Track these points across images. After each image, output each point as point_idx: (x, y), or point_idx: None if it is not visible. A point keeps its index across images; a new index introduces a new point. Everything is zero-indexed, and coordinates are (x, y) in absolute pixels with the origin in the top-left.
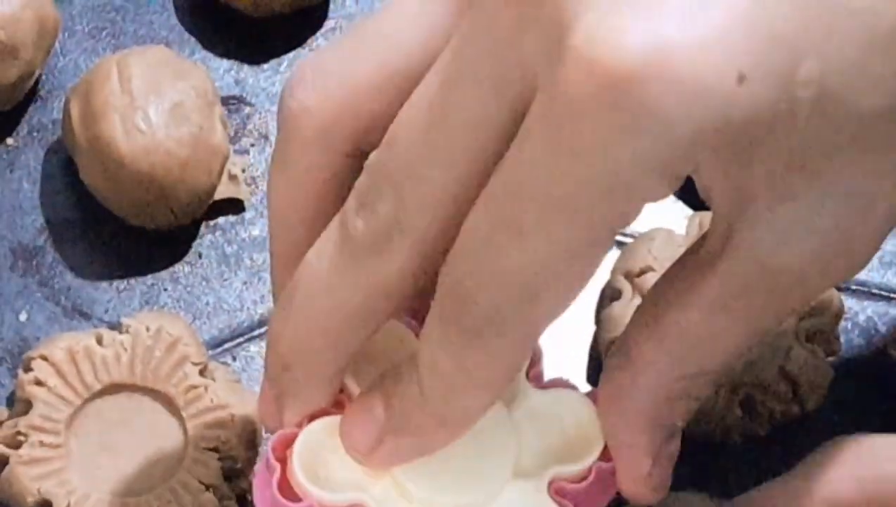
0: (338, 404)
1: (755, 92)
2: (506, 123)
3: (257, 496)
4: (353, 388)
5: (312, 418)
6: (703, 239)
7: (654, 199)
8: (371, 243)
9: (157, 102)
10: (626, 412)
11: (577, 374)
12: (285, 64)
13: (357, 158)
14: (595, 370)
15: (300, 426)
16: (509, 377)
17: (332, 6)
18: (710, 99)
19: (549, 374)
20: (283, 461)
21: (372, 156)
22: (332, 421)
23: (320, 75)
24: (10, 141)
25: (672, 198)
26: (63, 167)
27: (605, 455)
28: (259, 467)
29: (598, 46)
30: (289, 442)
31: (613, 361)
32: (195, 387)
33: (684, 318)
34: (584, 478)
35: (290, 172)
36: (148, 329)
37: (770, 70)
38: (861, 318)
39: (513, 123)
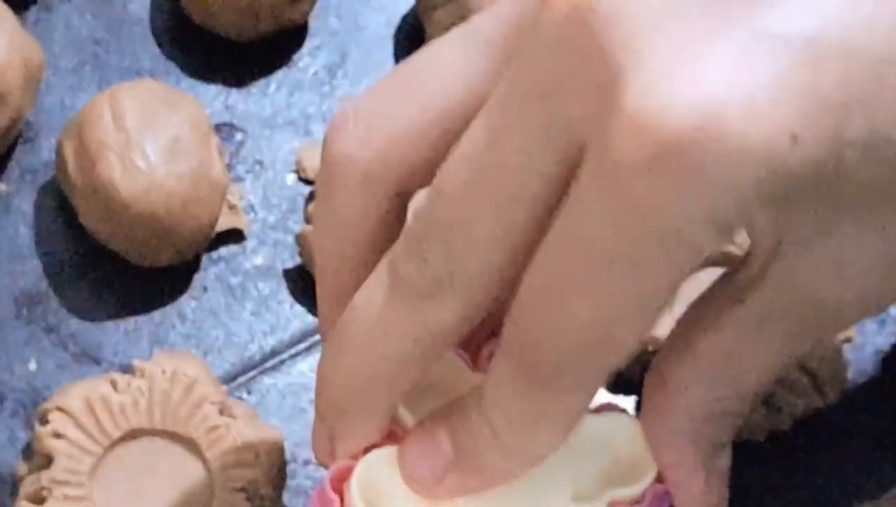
0: (390, 435)
1: (806, 152)
2: (555, 175)
3: None
4: (406, 418)
5: (367, 450)
6: (739, 265)
7: (713, 249)
8: (423, 291)
9: (153, 138)
10: (667, 434)
11: None
12: (273, 85)
13: (402, 198)
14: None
15: (355, 457)
16: (580, 416)
17: (313, 23)
18: (763, 161)
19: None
20: (340, 492)
21: (420, 203)
22: (389, 453)
23: (361, 122)
24: (1, 186)
25: None
26: (58, 209)
27: (660, 476)
28: (314, 500)
29: (649, 113)
30: (344, 475)
31: (649, 383)
32: (216, 427)
33: (718, 342)
34: (640, 501)
35: (336, 216)
36: (164, 372)
37: (820, 131)
38: None
39: (563, 174)
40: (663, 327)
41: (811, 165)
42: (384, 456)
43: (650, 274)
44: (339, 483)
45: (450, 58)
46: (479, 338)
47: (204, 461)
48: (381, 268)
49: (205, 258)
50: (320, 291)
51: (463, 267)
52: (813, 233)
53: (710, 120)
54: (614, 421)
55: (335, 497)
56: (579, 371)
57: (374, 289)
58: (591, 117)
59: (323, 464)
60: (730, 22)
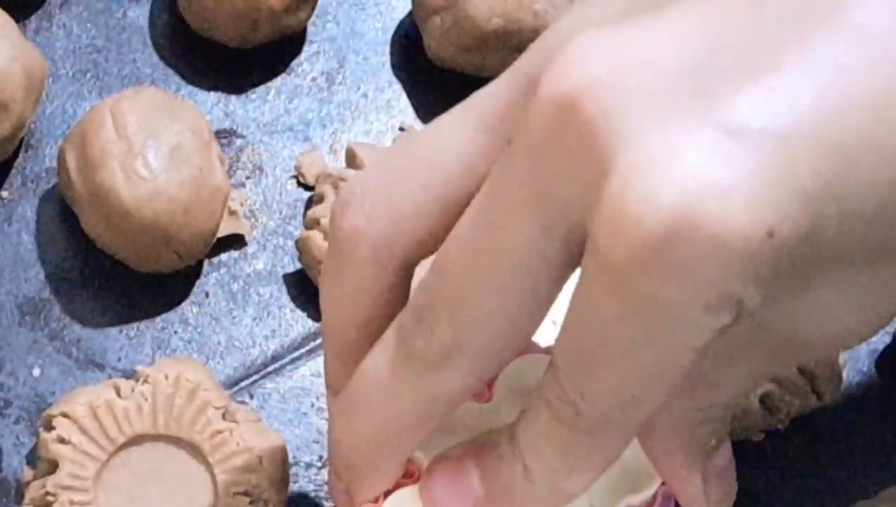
0: (407, 474)
1: (783, 242)
2: (557, 255)
3: None
4: (419, 456)
5: (387, 493)
6: None
7: (723, 323)
8: (430, 361)
9: (155, 146)
10: (658, 443)
11: None
12: (273, 92)
13: (409, 268)
14: None
15: (376, 502)
16: (614, 461)
17: (311, 30)
18: (741, 255)
19: None
20: None
21: (425, 276)
22: (409, 492)
23: (367, 198)
24: (4, 194)
25: None
26: (60, 216)
27: None
28: None
29: (629, 212)
30: None
31: None
32: (220, 432)
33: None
34: (651, 504)
35: (345, 286)
36: (166, 377)
37: (795, 223)
38: None
39: (564, 253)
40: None
41: (787, 252)
42: (406, 495)
43: (665, 351)
44: None
45: (449, 135)
46: None
47: (207, 465)
48: (389, 336)
49: (206, 264)
50: (328, 353)
51: (469, 340)
52: (791, 292)
53: (686, 219)
54: None
55: None
56: (614, 426)
57: (382, 356)
58: (584, 206)
59: None
60: (707, 115)
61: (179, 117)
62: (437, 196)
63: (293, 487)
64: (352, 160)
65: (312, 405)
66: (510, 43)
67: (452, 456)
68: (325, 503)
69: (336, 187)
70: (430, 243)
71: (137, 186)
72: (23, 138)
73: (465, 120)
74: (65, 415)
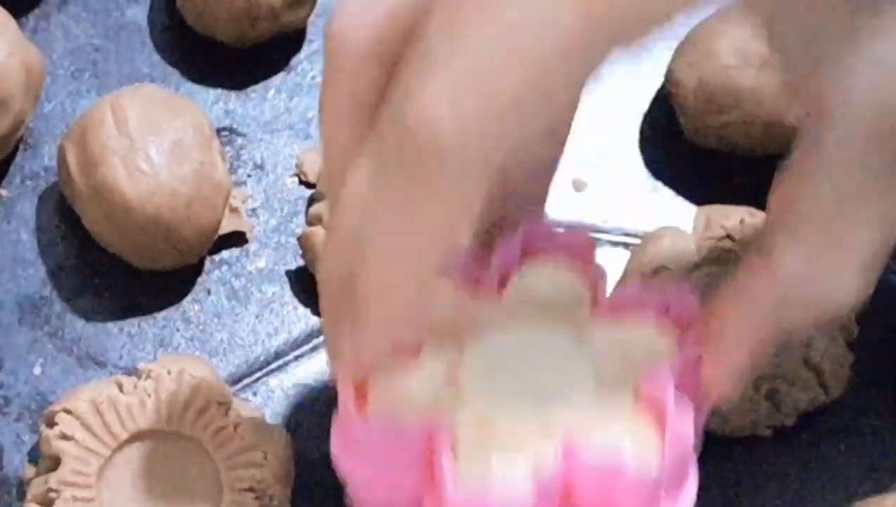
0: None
1: None
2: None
3: (336, 441)
4: None
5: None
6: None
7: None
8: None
9: (156, 141)
10: (750, 309)
11: None
12: (273, 90)
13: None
14: None
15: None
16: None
17: (311, 28)
18: None
19: None
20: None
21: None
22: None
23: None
24: (3, 192)
25: (673, 195)
26: (59, 214)
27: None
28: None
29: None
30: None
31: (749, 260)
32: (223, 428)
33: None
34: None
35: (336, 85)
36: (169, 373)
37: None
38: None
39: None
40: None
41: None
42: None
43: None
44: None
45: None
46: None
47: (211, 461)
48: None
49: (208, 261)
50: (328, 164)
51: None
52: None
53: None
54: (632, 328)
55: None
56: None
57: (364, 156)
58: None
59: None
60: None
61: (180, 113)
62: None
63: (298, 483)
64: None
65: (316, 402)
66: None
67: None
68: (327, 498)
69: None
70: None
71: (139, 181)
72: (22, 137)
73: None
74: (67, 411)
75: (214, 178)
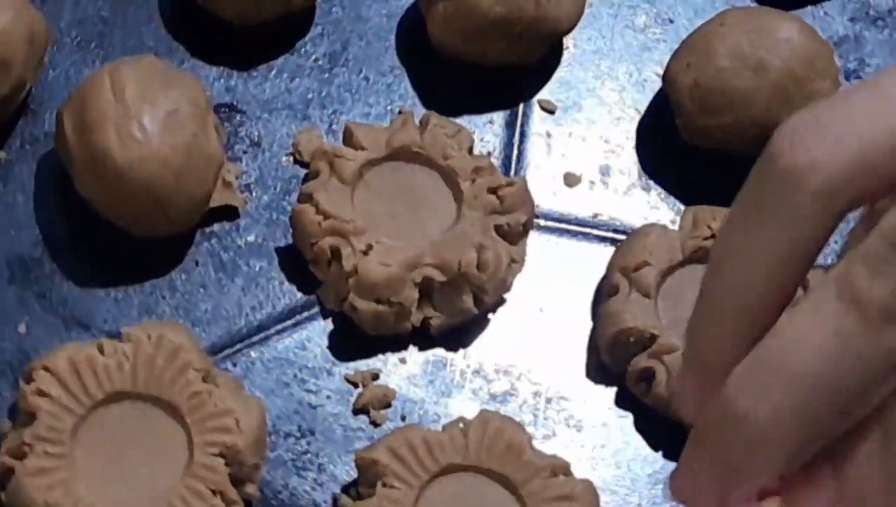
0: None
1: None
2: None
3: None
4: None
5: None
6: None
7: None
8: (887, 313)
9: (151, 110)
10: None
11: (577, 369)
12: (275, 70)
13: (846, 214)
14: (594, 365)
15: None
16: None
17: (318, 12)
18: None
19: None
20: None
21: (888, 221)
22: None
23: (830, 130)
24: (2, 155)
25: (664, 194)
26: (57, 179)
27: None
28: None
29: None
30: None
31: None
32: (198, 393)
33: None
34: None
35: (774, 225)
36: (149, 337)
37: None
38: None
39: None
40: (647, 319)
41: None
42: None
43: None
44: None
45: None
46: None
47: (185, 425)
48: (826, 287)
49: (198, 233)
50: (706, 321)
51: None
52: None
53: None
54: None
55: None
56: None
57: (819, 309)
58: None
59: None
60: None
61: (177, 85)
62: None
63: (271, 454)
64: (349, 139)
65: (295, 377)
66: (512, 32)
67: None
68: (301, 472)
69: (331, 164)
70: (888, 187)
71: (131, 148)
72: (24, 102)
73: None
74: (45, 368)
75: (207, 150)
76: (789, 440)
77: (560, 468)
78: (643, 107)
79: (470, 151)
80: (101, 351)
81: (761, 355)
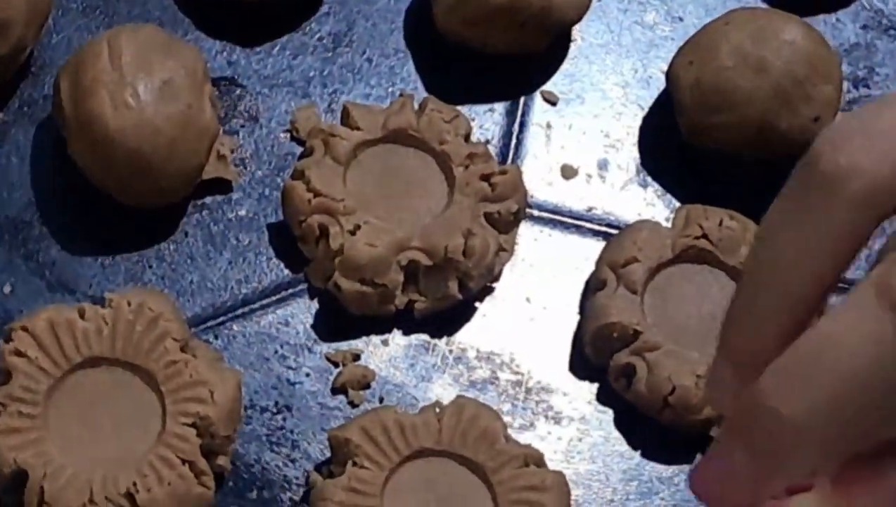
0: None
1: None
2: None
3: None
4: None
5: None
6: None
7: None
8: None
9: (146, 79)
10: None
11: (560, 361)
12: (278, 47)
13: (885, 219)
14: (577, 359)
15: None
16: None
17: None
18: None
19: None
20: None
21: None
22: (816, 499)
23: (874, 135)
24: (0, 116)
25: (661, 191)
26: (53, 144)
27: None
28: None
29: None
30: None
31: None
32: (175, 362)
33: None
34: None
35: (814, 228)
36: (130, 304)
37: None
38: None
39: None
40: (632, 315)
41: None
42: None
43: None
44: None
45: None
46: None
47: (159, 394)
48: (866, 290)
49: (190, 205)
50: (760, 308)
51: None
52: None
53: None
54: None
55: None
56: None
57: (858, 312)
58: None
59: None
60: None
61: (175, 55)
62: None
63: (246, 428)
64: (346, 118)
65: (276, 353)
66: (516, 20)
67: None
68: (275, 447)
69: (326, 143)
70: None
71: (124, 115)
72: (26, 65)
73: None
74: (25, 329)
75: (201, 121)
76: (822, 438)
77: (533, 458)
78: (646, 104)
79: (467, 137)
80: (83, 316)
81: (799, 352)
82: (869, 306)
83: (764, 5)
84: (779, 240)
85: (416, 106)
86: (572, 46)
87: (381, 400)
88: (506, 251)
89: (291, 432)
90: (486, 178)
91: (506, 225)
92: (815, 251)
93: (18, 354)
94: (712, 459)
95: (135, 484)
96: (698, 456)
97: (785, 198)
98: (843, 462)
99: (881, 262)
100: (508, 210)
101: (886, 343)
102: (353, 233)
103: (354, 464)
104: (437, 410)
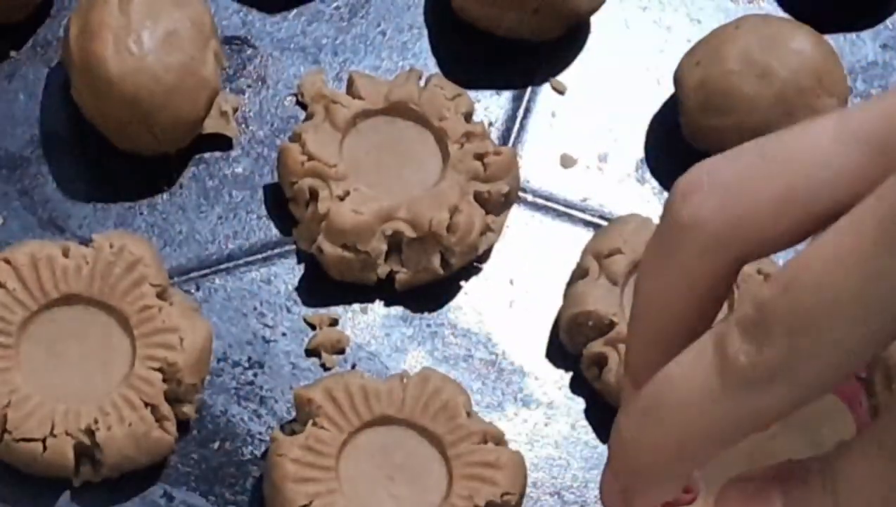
0: (685, 489)
1: None
2: None
3: None
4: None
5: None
6: None
7: None
8: (751, 379)
9: (152, 27)
10: None
11: (537, 346)
12: (294, 12)
13: (739, 266)
14: (555, 346)
15: None
16: None
17: None
18: None
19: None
20: None
21: (763, 290)
22: None
23: (718, 188)
24: (13, 54)
25: (659, 189)
26: (62, 86)
27: None
28: None
29: None
30: None
31: None
32: (149, 307)
33: None
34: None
35: (672, 274)
36: (112, 246)
37: None
38: None
39: None
40: (609, 306)
41: None
42: None
43: None
44: None
45: (823, 144)
46: None
47: (130, 336)
48: (707, 343)
49: (188, 159)
50: (636, 339)
51: (802, 369)
52: None
53: None
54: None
55: None
56: None
57: (696, 362)
58: None
59: None
60: None
61: (183, 6)
62: (798, 202)
63: (216, 380)
64: (350, 87)
65: (255, 309)
66: (530, 4)
67: (753, 480)
68: (242, 401)
69: (328, 109)
70: (771, 246)
71: (125, 60)
72: (43, 6)
73: (841, 132)
74: (6, 260)
75: (201, 74)
76: (663, 470)
77: (492, 436)
78: (655, 102)
79: (469, 117)
80: (66, 254)
81: (647, 390)
82: (706, 356)
83: (785, 15)
84: (646, 281)
85: (422, 82)
86: (588, 39)
87: (353, 366)
88: (493, 232)
89: (261, 388)
90: (480, 157)
91: (495, 206)
92: (673, 296)
93: None
94: (603, 473)
95: (96, 421)
96: None
97: (652, 242)
98: (728, 484)
99: (733, 310)
100: (499, 191)
101: (712, 398)
102: (341, 199)
103: (315, 424)
104: (404, 380)
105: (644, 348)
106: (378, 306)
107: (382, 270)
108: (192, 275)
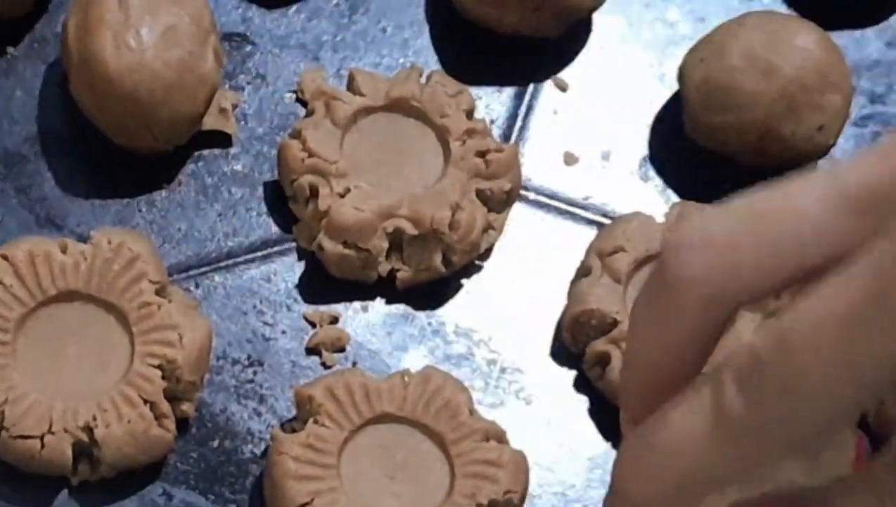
0: None
1: None
2: None
3: None
4: None
5: None
6: None
7: None
8: (746, 428)
9: (151, 22)
10: None
11: (540, 345)
12: (294, 9)
13: (732, 316)
14: (558, 344)
15: None
16: None
17: None
18: None
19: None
20: None
21: (755, 341)
22: None
23: (708, 248)
24: (10, 50)
25: (662, 187)
26: (60, 83)
27: None
28: None
29: None
30: None
31: None
32: (148, 304)
33: None
34: None
35: (664, 329)
36: (110, 242)
37: None
38: None
39: None
40: (612, 304)
41: None
42: None
43: None
44: None
45: (811, 202)
46: None
47: (129, 333)
48: (704, 391)
49: (187, 156)
50: (631, 384)
51: (797, 422)
52: None
53: None
54: None
55: None
56: None
57: (693, 410)
58: None
59: None
60: None
61: (182, 2)
62: (789, 261)
63: (216, 378)
64: (351, 83)
65: (254, 307)
66: (532, 1)
67: None
68: (242, 400)
69: (328, 106)
70: (762, 297)
71: (124, 56)
72: (42, 3)
73: (829, 190)
74: (4, 257)
75: (200, 70)
76: None
77: (494, 434)
78: (658, 100)
79: (470, 114)
80: (64, 250)
81: (647, 433)
82: (702, 402)
83: (789, 12)
84: (638, 332)
85: (423, 79)
86: (590, 36)
87: (353, 365)
88: (494, 230)
89: (261, 386)
90: (481, 154)
91: (497, 204)
92: (666, 346)
93: None
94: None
95: (94, 418)
96: None
97: (644, 294)
98: None
99: (726, 365)
100: (501, 189)
101: (707, 446)
102: (342, 196)
103: (315, 422)
104: (406, 378)
105: (639, 392)
106: (379, 304)
107: (383, 267)
108: (192, 272)
